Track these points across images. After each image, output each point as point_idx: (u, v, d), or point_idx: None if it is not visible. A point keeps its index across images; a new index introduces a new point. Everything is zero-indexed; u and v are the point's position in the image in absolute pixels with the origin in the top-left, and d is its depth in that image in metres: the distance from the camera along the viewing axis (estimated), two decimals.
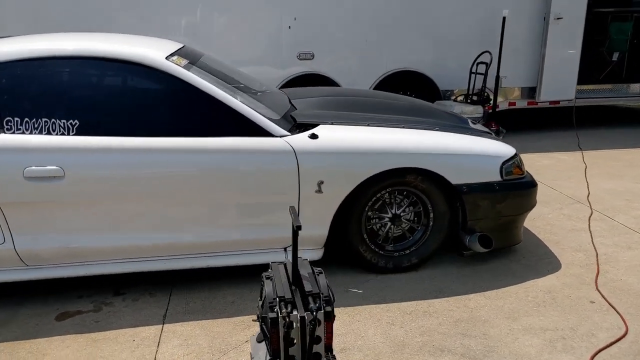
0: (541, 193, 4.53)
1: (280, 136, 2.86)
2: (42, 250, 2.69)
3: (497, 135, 4.08)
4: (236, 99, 2.86)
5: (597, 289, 3.00)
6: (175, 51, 3.07)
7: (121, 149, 2.65)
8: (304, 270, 1.94)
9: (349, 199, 3.01)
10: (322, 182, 2.89)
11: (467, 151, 3.09)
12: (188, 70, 2.85)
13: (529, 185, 3.26)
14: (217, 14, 6.03)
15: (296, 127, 3.04)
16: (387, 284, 3.08)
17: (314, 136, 2.91)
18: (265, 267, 3.18)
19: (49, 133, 2.64)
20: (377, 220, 3.14)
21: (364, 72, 6.44)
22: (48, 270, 2.77)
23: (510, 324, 2.67)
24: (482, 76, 6.33)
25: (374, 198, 3.05)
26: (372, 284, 3.08)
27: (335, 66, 6.35)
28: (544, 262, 3.35)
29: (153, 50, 2.85)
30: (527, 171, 3.39)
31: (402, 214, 3.17)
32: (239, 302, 2.89)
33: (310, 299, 1.80)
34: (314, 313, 1.73)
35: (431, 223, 3.17)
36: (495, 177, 3.13)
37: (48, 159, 2.58)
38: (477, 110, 6.17)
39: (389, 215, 3.15)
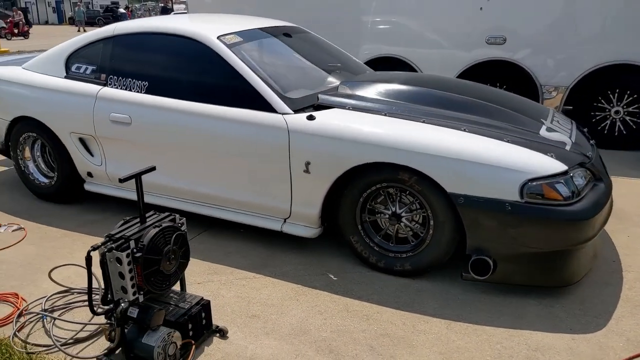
0: None
1: (283, 113, 3.04)
2: (117, 174, 3.63)
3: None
4: (259, 77, 3.15)
5: None
6: (245, 30, 3.52)
7: (168, 108, 3.31)
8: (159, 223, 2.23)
9: (341, 186, 2.98)
10: (309, 163, 2.95)
11: (474, 158, 2.63)
12: (232, 48, 3.28)
13: (567, 216, 2.54)
14: None
15: (315, 107, 3.14)
16: (368, 280, 2.95)
17: (311, 117, 2.98)
18: (273, 232, 3.45)
19: (130, 90, 3.50)
20: (379, 215, 3.00)
21: (566, 63, 5.49)
22: (122, 191, 3.70)
23: None
24: None
25: (369, 190, 2.92)
26: (353, 276, 3.00)
27: (529, 54, 5.62)
28: (588, 316, 2.59)
29: (208, 29, 3.38)
30: (589, 198, 2.63)
31: (403, 214, 2.93)
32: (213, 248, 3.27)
33: (132, 242, 2.10)
34: (122, 252, 2.04)
35: (430, 231, 2.84)
36: (510, 195, 2.57)
37: (123, 108, 3.45)
38: None
39: (389, 212, 2.96)
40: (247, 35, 3.51)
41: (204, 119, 3.20)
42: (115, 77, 3.57)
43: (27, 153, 4.04)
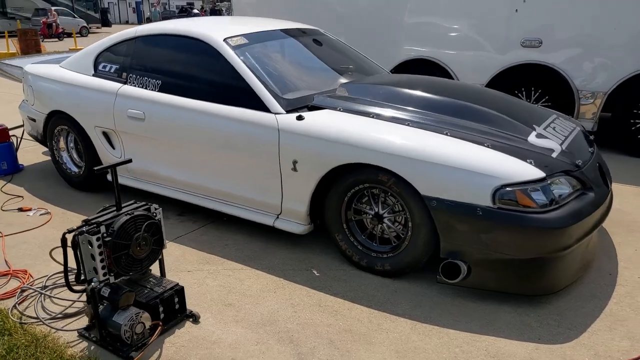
0: None
1: (276, 113, 3.17)
2: (135, 168, 3.90)
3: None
4: (257, 78, 3.29)
5: None
6: (253, 32, 3.68)
7: (175, 106, 3.53)
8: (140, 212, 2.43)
9: (326, 185, 3.06)
10: (296, 162, 3.06)
11: (448, 162, 2.63)
12: (236, 49, 3.44)
13: (540, 224, 2.49)
14: None
15: (309, 108, 3.24)
16: (349, 278, 3.02)
17: (300, 118, 3.08)
18: (272, 228, 3.58)
19: (146, 88, 3.75)
20: (364, 215, 3.06)
21: (604, 68, 5.24)
22: (139, 182, 3.97)
23: None
24: None
25: (353, 190, 2.99)
26: (336, 274, 3.07)
27: (565, 57, 5.41)
28: (561, 327, 2.53)
29: (216, 31, 3.56)
30: (564, 207, 2.57)
31: (385, 215, 2.97)
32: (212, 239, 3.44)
33: (103, 227, 2.31)
34: (92, 236, 2.25)
35: (409, 233, 2.87)
36: (482, 200, 2.55)
37: (138, 105, 3.71)
38: None
39: (372, 212, 3.01)
40: (255, 38, 3.66)
41: (206, 116, 3.38)
42: (134, 76, 3.84)
43: (62, 144, 4.42)
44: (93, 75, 4.07)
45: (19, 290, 2.83)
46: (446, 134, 2.83)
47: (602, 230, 3.63)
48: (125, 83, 3.86)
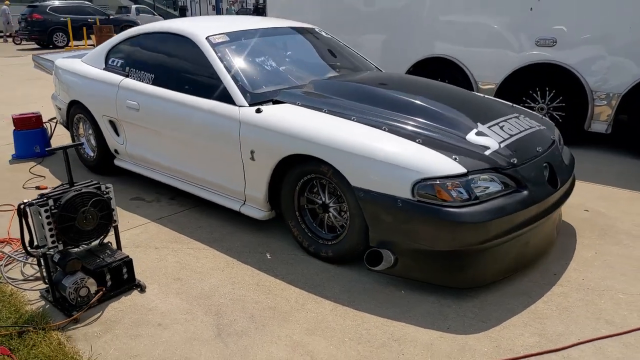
0: None
1: (240, 106, 3.41)
2: (134, 154, 4.29)
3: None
4: (228, 73, 3.55)
5: None
6: (238, 31, 3.94)
7: (161, 98, 3.86)
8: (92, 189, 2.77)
9: (280, 175, 3.27)
10: (253, 151, 3.29)
11: (375, 155, 2.76)
12: (215, 46, 3.72)
13: (455, 217, 2.56)
14: None
15: (273, 102, 3.46)
16: (296, 262, 3.21)
17: (258, 111, 3.31)
18: (235, 213, 3.83)
19: (142, 81, 4.12)
20: (315, 204, 3.23)
21: (619, 68, 5.03)
22: (137, 167, 4.36)
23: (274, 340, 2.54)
24: None
25: (302, 180, 3.17)
26: (286, 258, 3.28)
27: (579, 57, 5.24)
28: (475, 320, 2.60)
29: (200, 29, 3.86)
30: (488, 202, 2.63)
31: (331, 205, 3.14)
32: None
33: (51, 200, 2.65)
34: (41, 208, 2.60)
35: (347, 222, 3.01)
36: (403, 193, 2.66)
37: (134, 97, 4.09)
38: None
39: (320, 202, 3.18)
40: (237, 36, 3.92)
41: (185, 108, 3.69)
42: (133, 70, 4.22)
43: (81, 130, 4.92)
44: (104, 69, 4.51)
45: (5, 256, 3.27)
46: (384, 129, 2.95)
47: (570, 232, 3.56)
48: (127, 76, 4.26)
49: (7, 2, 23.44)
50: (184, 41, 3.89)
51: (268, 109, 3.31)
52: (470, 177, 2.66)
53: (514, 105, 3.79)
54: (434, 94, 3.41)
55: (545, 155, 3.06)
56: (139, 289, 2.94)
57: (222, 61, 3.62)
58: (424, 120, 3.04)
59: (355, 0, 6.88)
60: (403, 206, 2.66)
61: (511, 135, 3.05)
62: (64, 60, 5.06)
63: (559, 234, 3.46)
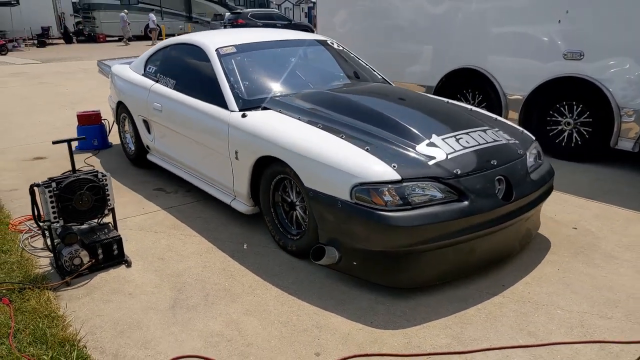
0: None
1: (231, 111, 3.82)
2: (159, 149, 4.87)
3: None
4: (227, 81, 3.98)
5: None
6: (247, 43, 4.37)
7: (176, 101, 4.38)
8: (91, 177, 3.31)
9: (260, 173, 3.63)
10: (237, 151, 3.68)
11: (323, 159, 3.04)
12: (222, 57, 4.17)
13: (383, 220, 2.77)
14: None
15: (262, 108, 3.84)
16: (267, 254, 3.55)
17: (243, 116, 3.70)
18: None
19: (166, 86, 4.68)
20: (285, 202, 3.56)
21: None
22: (163, 162, 4.93)
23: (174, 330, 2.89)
24: None
25: (275, 179, 3.51)
26: (260, 249, 3.63)
27: (606, 72, 5.10)
28: (401, 319, 2.80)
29: (214, 42, 4.32)
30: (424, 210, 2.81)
31: (297, 203, 3.44)
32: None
33: (54, 183, 3.22)
34: (46, 188, 3.17)
35: (307, 220, 3.31)
36: (343, 195, 2.92)
37: (159, 99, 4.65)
38: None
39: (289, 200, 3.50)
40: (245, 47, 4.34)
41: (194, 111, 4.17)
42: (162, 76, 4.80)
43: (127, 127, 5.61)
44: (142, 75, 5.14)
45: (27, 228, 3.93)
46: (341, 137, 3.21)
47: (544, 246, 3.58)
48: (157, 82, 4.84)
49: (125, 10, 26.12)
50: (198, 52, 4.38)
51: (252, 115, 3.69)
52: (405, 184, 2.85)
53: (498, 118, 3.86)
54: (406, 105, 3.61)
55: (500, 169, 3.14)
56: (126, 264, 3.43)
57: (224, 70, 4.06)
58: (382, 130, 3.26)
59: (392, 15, 7.09)
60: (343, 207, 2.91)
61: (465, 148, 3.17)
62: (117, 66, 5.79)
63: (525, 247, 3.50)
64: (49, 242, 3.39)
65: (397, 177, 2.86)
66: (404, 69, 7.13)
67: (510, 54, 5.87)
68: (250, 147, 3.54)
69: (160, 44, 5.10)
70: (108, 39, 27.91)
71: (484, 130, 3.43)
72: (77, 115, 6.19)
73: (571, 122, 5.51)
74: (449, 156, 3.07)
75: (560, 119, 5.61)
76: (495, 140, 3.36)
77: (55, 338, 2.61)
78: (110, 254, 3.40)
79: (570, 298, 2.99)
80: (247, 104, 3.87)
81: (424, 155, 3.05)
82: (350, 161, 2.97)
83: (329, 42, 4.90)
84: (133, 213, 4.29)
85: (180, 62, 4.63)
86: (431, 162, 3.00)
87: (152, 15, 26.55)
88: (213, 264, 3.44)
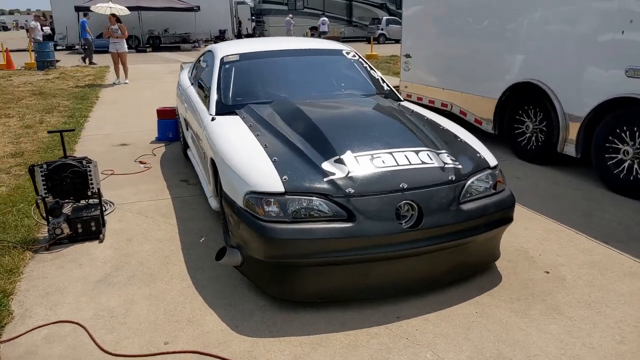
0: None
1: (210, 114, 4.16)
2: (189, 145, 5.42)
3: None
4: (217, 86, 4.33)
5: None
6: (251, 52, 4.67)
7: (193, 102, 4.87)
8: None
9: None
10: (204, 151, 4.01)
11: (233, 167, 3.21)
12: (224, 64, 4.54)
13: (257, 230, 2.85)
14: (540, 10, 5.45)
15: (236, 114, 4.10)
16: (212, 246, 3.82)
17: (213, 119, 4.01)
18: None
19: (194, 89, 5.20)
20: None
21: None
22: (191, 157, 5.47)
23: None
24: None
25: (219, 181, 3.76)
26: (211, 243, 3.91)
27: None
28: (268, 329, 2.88)
29: (224, 50, 4.70)
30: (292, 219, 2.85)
31: None
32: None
33: (45, 165, 3.90)
34: (39, 169, 3.88)
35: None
36: (239, 201, 3.06)
37: (187, 101, 5.20)
38: None
39: None
40: (248, 56, 4.64)
41: (195, 112, 4.61)
42: (194, 80, 5.35)
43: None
44: (188, 78, 5.77)
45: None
46: (264, 146, 3.33)
47: (485, 286, 3.23)
48: (192, 85, 5.41)
49: (290, 15, 28.35)
50: (212, 58, 4.81)
51: (219, 119, 3.98)
52: (288, 197, 2.88)
53: (461, 137, 3.56)
54: (349, 120, 3.59)
55: (409, 194, 2.95)
56: (99, 241, 4.00)
57: (218, 76, 4.42)
58: (306, 142, 3.29)
59: (465, 30, 6.73)
60: (238, 212, 3.05)
61: (376, 167, 3.04)
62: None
63: (446, 278, 3.19)
64: (42, 213, 4.11)
65: (282, 189, 2.90)
66: (469, 81, 6.79)
67: (570, 69, 5.19)
68: (209, 147, 3.84)
69: (200, 53, 5.66)
70: None
71: (417, 152, 3.22)
72: (157, 111, 7.11)
73: (630, 150, 4.70)
74: (350, 174, 2.99)
75: (620, 146, 4.81)
76: (421, 163, 3.14)
77: None
78: (89, 230, 3.99)
79: (454, 345, 2.71)
80: (225, 109, 4.17)
81: (325, 171, 3.02)
82: (251, 170, 3.09)
83: (344, 52, 4.94)
84: (145, 199, 4.90)
85: (204, 68, 5.12)
86: (327, 179, 2.97)
87: (325, 19, 28.69)
88: (164, 249, 3.83)
